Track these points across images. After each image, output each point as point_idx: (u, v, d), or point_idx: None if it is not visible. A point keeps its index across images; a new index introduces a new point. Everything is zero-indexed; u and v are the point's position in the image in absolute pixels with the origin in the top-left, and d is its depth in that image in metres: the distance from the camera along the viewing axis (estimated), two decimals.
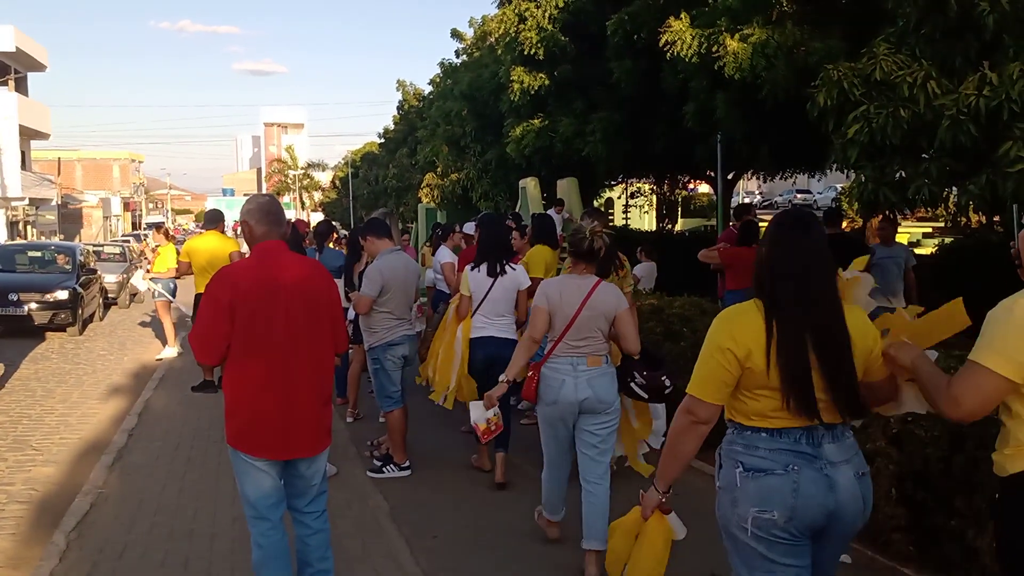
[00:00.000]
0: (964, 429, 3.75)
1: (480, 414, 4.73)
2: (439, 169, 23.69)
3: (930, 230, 17.14)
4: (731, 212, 8.14)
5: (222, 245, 8.65)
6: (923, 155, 6.16)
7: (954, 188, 6.09)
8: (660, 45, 10.22)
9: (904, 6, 6.30)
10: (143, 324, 15.35)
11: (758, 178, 19.01)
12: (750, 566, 2.48)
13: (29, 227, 38.11)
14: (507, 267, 5.58)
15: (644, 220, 30.65)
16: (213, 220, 9.06)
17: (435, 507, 5.22)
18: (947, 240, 12.57)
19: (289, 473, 3.53)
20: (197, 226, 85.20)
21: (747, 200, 48.51)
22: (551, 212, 14.36)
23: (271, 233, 3.52)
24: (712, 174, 15.62)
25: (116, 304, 17.86)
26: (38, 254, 15.95)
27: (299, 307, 3.43)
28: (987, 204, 5.73)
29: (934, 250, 11.12)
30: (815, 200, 40.62)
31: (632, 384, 4.19)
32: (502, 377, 4.43)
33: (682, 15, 10.19)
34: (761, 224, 8.29)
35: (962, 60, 6.00)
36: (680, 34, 9.94)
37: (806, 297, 2.42)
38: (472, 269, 5.59)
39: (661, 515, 2.73)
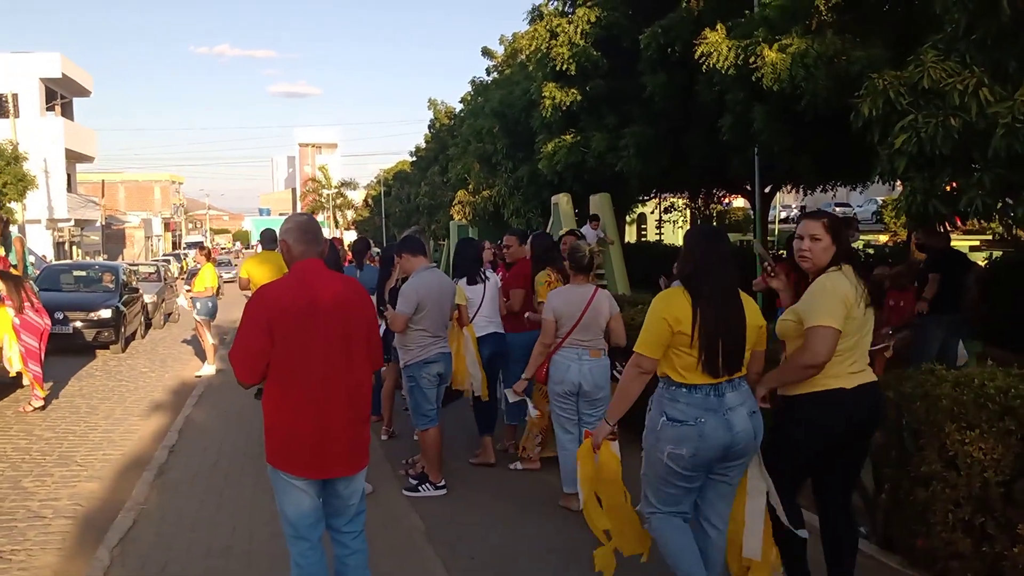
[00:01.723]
0: None
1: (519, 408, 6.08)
2: (471, 186, 23.77)
3: (977, 243, 16.72)
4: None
5: (281, 264, 8.70)
6: (975, 165, 5.97)
7: (1009, 200, 5.88)
8: (695, 57, 10.13)
9: (953, 11, 6.12)
10: (184, 342, 15.51)
11: (797, 191, 18.71)
12: (658, 480, 3.50)
13: (75, 247, 39.04)
14: (485, 274, 6.54)
15: (678, 235, 30.42)
16: (271, 240, 9.10)
17: (471, 527, 5.14)
18: (996, 254, 12.23)
19: (328, 492, 3.49)
20: (239, 246, 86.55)
21: (784, 214, 48.05)
22: (586, 228, 14.28)
23: (309, 252, 3.50)
24: (749, 187, 15.43)
25: (151, 324, 18.05)
26: (83, 273, 16.28)
27: (337, 325, 3.39)
28: None
29: (984, 263, 10.82)
30: (855, 213, 39.94)
31: (614, 372, 5.30)
32: (524, 375, 5.50)
33: (718, 26, 10.09)
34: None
35: (1016, 65, 5.81)
36: (716, 46, 9.84)
37: (719, 288, 3.41)
38: (458, 282, 6.33)
39: (608, 443, 3.73)
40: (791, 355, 3.54)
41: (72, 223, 37.91)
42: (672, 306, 3.38)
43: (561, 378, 5.19)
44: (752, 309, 3.49)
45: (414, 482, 5.85)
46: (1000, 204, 5.92)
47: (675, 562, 3.52)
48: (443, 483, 5.78)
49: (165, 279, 21.07)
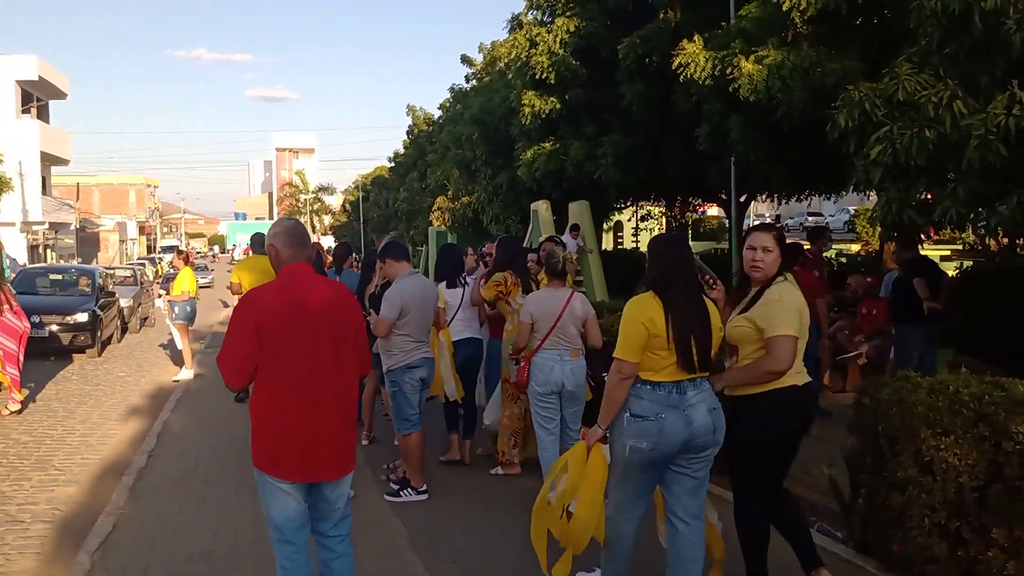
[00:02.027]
0: (1001, 458, 3.67)
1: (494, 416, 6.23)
2: (450, 192, 23.79)
3: (948, 253, 17.01)
4: (807, 234, 8.10)
5: (271, 268, 8.68)
6: (948, 176, 6.09)
7: (982, 210, 6.01)
8: (673, 68, 10.23)
9: (926, 26, 6.25)
10: (160, 346, 15.38)
11: (770, 200, 18.94)
12: (624, 473, 3.70)
13: (49, 250, 38.57)
14: (464, 280, 6.70)
15: None
16: (261, 244, 9.08)
17: (453, 531, 5.16)
18: (966, 264, 12.46)
19: (314, 496, 3.49)
20: (216, 249, 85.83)
21: (757, 221, 48.51)
22: (567, 237, 14.34)
23: (297, 256, 3.52)
24: (724, 196, 15.60)
25: (127, 328, 17.88)
26: (59, 277, 16.08)
27: (325, 330, 3.41)
28: (1018, 226, 5.64)
29: (955, 273, 11.02)
30: (827, 222, 40.38)
31: (587, 377, 5.59)
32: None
33: (695, 38, 10.20)
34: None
35: (988, 79, 5.94)
36: (694, 56, 9.95)
37: (686, 292, 3.62)
38: (437, 286, 6.44)
39: (600, 446, 3.82)
40: (755, 360, 3.74)
41: (46, 226, 37.46)
42: (646, 309, 3.56)
43: (545, 379, 5.38)
44: (714, 311, 3.73)
45: (396, 487, 5.86)
46: (973, 215, 6.04)
47: (609, 558, 3.84)
48: (425, 488, 5.80)
49: (141, 283, 20.86)
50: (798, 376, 3.75)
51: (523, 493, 5.69)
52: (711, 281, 4.17)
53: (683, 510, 3.72)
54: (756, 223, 4.05)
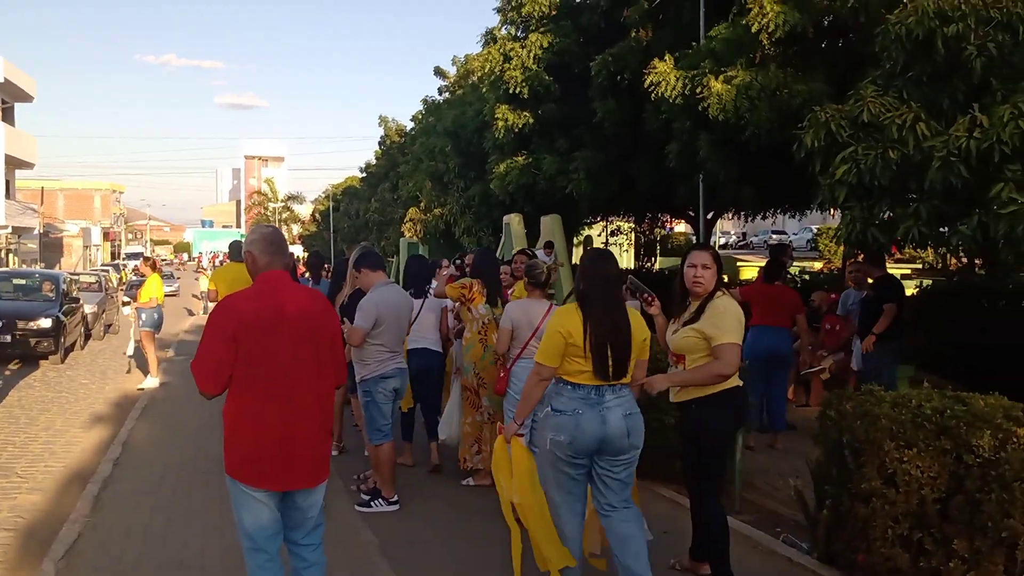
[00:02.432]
0: (962, 470, 3.78)
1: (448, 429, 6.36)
2: (422, 204, 23.77)
3: (909, 272, 17.37)
4: (769, 251, 8.24)
5: (248, 275, 8.64)
6: (911, 196, 6.25)
7: (943, 229, 6.17)
8: (644, 86, 10.36)
9: (891, 50, 6.42)
10: (124, 353, 15.15)
11: (737, 218, 19.20)
12: (551, 470, 3.98)
13: (11, 255, 37.84)
14: (428, 291, 6.84)
15: (623, 259, 30.84)
16: (239, 251, 9.03)
17: (425, 542, 5.17)
18: (926, 282, 12.73)
19: (287, 505, 3.49)
20: (185, 257, 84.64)
21: (723, 240, 49.12)
22: (540, 252, 14.42)
23: (274, 263, 3.53)
24: (692, 213, 15.78)
25: (91, 335, 17.61)
26: (22, 282, 15.84)
27: (302, 338, 3.42)
28: (978, 245, 5.81)
29: (915, 291, 11.27)
30: (791, 240, 41.02)
31: None
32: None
33: (666, 57, 10.35)
34: (744, 266, 8.44)
35: (950, 103, 6.12)
36: (664, 75, 10.08)
37: (606, 303, 3.90)
38: None
39: (518, 439, 4.18)
40: (705, 364, 4.15)
41: (9, 230, 36.77)
42: (566, 321, 3.89)
43: (522, 387, 5.42)
44: (638, 323, 4.02)
45: (366, 497, 5.86)
46: (935, 234, 6.20)
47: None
48: (396, 498, 5.80)
49: (106, 289, 20.55)
50: (736, 379, 4.21)
51: (494, 503, 5.69)
52: (649, 299, 4.50)
53: (610, 503, 4.02)
54: (695, 243, 4.42)
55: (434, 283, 7.06)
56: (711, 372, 4.09)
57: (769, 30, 8.70)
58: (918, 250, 6.88)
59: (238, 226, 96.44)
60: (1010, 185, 5.37)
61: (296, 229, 70.00)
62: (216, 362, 3.31)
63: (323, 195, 59.83)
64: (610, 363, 3.83)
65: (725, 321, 4.09)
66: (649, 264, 27.54)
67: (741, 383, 4.26)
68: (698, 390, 4.18)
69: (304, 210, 70.77)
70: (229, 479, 3.41)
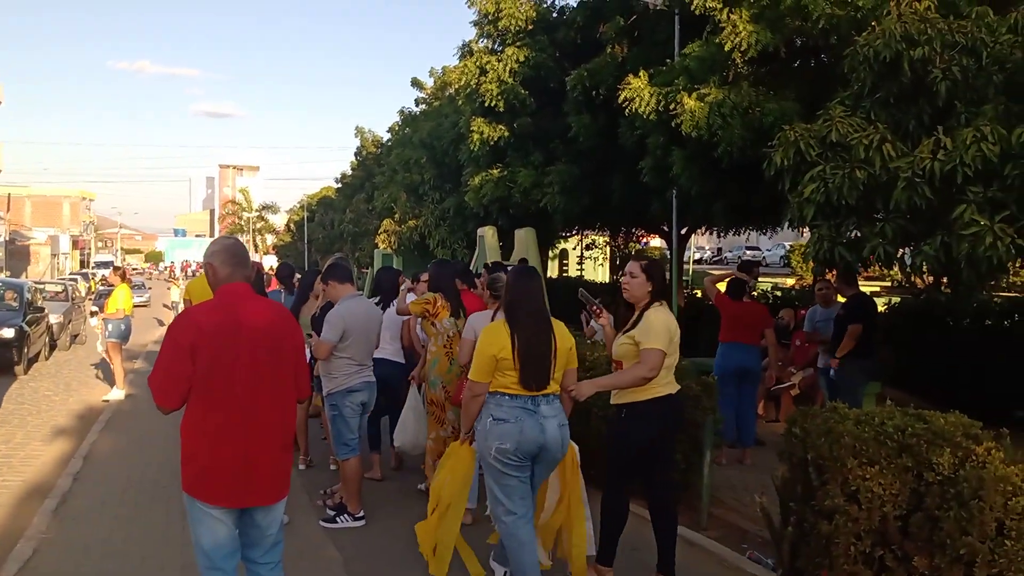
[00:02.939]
0: (923, 488, 3.80)
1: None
2: (397, 215, 23.71)
3: (878, 289, 17.58)
4: (738, 268, 8.26)
5: None
6: (878, 215, 6.33)
7: (908, 248, 6.25)
8: (619, 101, 10.43)
9: (859, 71, 6.52)
10: (91, 364, 14.93)
11: (711, 234, 19.34)
12: (495, 477, 4.20)
13: None
14: (391, 304, 6.88)
15: (598, 272, 30.94)
16: None
17: (390, 558, 5.12)
18: (894, 299, 12.88)
19: (244, 522, 3.43)
20: (162, 266, 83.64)
21: (698, 255, 49.47)
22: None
23: (235, 275, 3.47)
24: (667, 228, 15.86)
25: (56, 346, 17.33)
26: None
27: (262, 351, 3.37)
28: (941, 265, 5.88)
29: (884, 309, 11.39)
30: (764, 256, 41.42)
31: None
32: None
33: (641, 73, 10.43)
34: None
35: (916, 124, 6.21)
36: (639, 91, 10.16)
37: (531, 318, 4.19)
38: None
39: (466, 443, 4.49)
40: (631, 367, 4.43)
41: None
42: (494, 339, 4.16)
43: None
44: (562, 333, 4.30)
45: (332, 513, 5.79)
46: (900, 252, 6.28)
47: (522, 570, 4.25)
48: (362, 514, 5.74)
49: (73, 299, 20.24)
50: (669, 386, 4.48)
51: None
52: (597, 310, 4.78)
53: (524, 506, 4.26)
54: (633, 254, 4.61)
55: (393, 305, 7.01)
56: (633, 375, 4.35)
57: (742, 49, 8.81)
58: (883, 269, 6.94)
59: (211, 235, 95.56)
60: (972, 207, 5.45)
61: (271, 239, 69.59)
62: (174, 376, 3.24)
63: (298, 205, 59.55)
64: (537, 372, 4.12)
65: (652, 328, 4.37)
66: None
67: (673, 391, 4.48)
68: (629, 395, 4.43)
69: (279, 220, 70.38)
70: (186, 496, 3.35)
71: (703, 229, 17.26)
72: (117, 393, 11.02)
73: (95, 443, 8.14)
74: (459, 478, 4.52)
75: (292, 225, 61.70)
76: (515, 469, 4.15)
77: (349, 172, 41.85)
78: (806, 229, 7.61)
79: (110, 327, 11.26)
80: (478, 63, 15.63)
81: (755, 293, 11.96)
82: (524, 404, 4.12)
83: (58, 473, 7.06)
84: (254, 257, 60.28)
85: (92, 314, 15.75)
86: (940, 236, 5.69)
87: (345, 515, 5.72)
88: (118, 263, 41.04)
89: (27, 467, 7.49)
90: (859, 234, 6.41)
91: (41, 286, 20.25)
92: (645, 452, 4.51)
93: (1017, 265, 6.56)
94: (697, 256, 48.93)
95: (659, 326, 4.37)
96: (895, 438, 3.95)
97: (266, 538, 3.48)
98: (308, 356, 6.20)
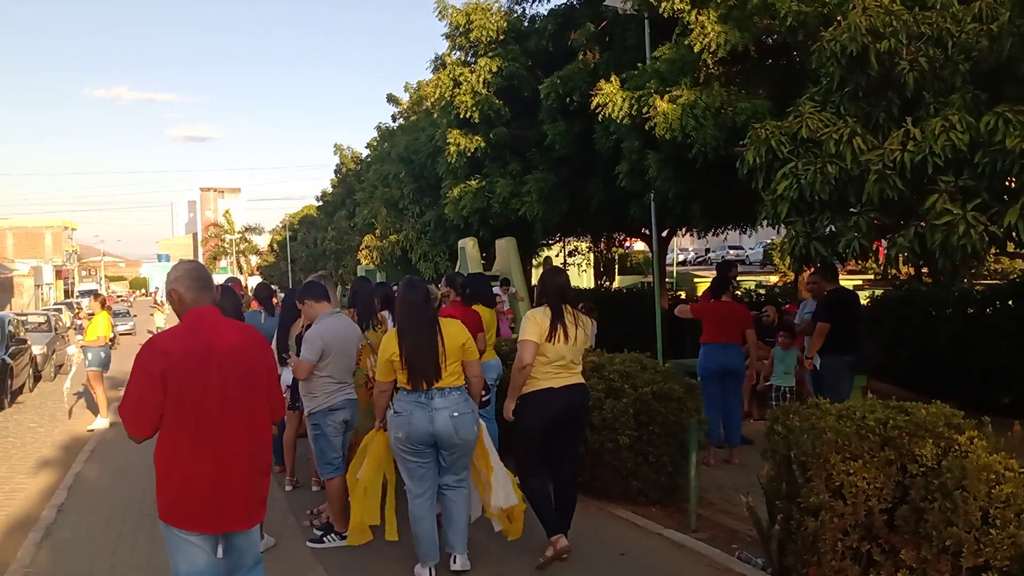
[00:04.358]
0: (907, 480, 3.79)
1: None
2: (378, 231, 23.67)
3: (860, 282, 17.69)
4: (716, 268, 8.26)
5: None
6: (851, 209, 6.34)
7: (882, 240, 6.27)
8: (592, 107, 10.45)
9: (827, 66, 6.55)
10: (75, 394, 14.75)
11: (692, 235, 19.38)
12: (399, 460, 4.89)
13: None
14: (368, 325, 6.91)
15: (583, 278, 30.97)
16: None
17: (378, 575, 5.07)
18: (877, 292, 12.94)
19: (224, 547, 3.39)
20: (133, 293, 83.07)
21: (681, 257, 49.64)
22: (498, 290, 14.35)
23: (202, 299, 3.43)
24: (647, 232, 15.89)
25: (41, 377, 17.13)
26: None
27: (234, 375, 3.32)
28: (916, 256, 5.89)
29: (866, 302, 11.44)
30: (747, 255, 41.60)
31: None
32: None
33: (612, 78, 10.45)
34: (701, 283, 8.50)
35: (885, 117, 6.23)
36: (611, 96, 10.18)
37: (413, 325, 4.80)
38: None
39: (380, 431, 5.10)
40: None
41: None
42: (387, 346, 4.82)
43: None
44: (453, 332, 4.85)
45: (319, 533, 5.73)
46: (875, 245, 6.29)
47: (418, 539, 4.88)
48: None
49: (56, 329, 20.05)
50: (555, 380, 4.94)
51: None
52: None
53: (445, 483, 4.89)
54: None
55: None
56: (513, 368, 4.99)
57: (711, 50, 8.84)
58: (859, 262, 6.95)
59: (196, 259, 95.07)
60: (944, 196, 5.47)
61: (255, 260, 69.33)
62: (144, 404, 3.20)
63: (280, 225, 59.39)
64: (424, 372, 4.69)
65: (524, 324, 4.98)
66: (607, 284, 27.68)
67: (557, 384, 4.93)
68: (526, 388, 4.98)
69: (262, 241, 70.15)
70: (163, 524, 3.31)
71: (683, 231, 17.30)
72: (101, 422, 10.90)
73: (79, 474, 8.04)
74: (374, 462, 5.08)
75: (275, 245, 61.52)
76: (411, 455, 4.76)
77: (330, 190, 41.79)
78: (779, 227, 7.63)
79: (90, 355, 11.14)
80: (451, 75, 15.64)
81: (738, 292, 12.04)
82: (417, 398, 4.71)
83: (43, 505, 6.96)
84: (240, 279, 60.25)
85: (73, 343, 15.56)
86: (914, 227, 5.70)
87: (332, 534, 5.66)
88: (102, 291, 40.74)
89: (11, 500, 7.39)
90: (834, 229, 6.42)
91: (23, 317, 20.06)
92: (536, 439, 5.00)
93: (994, 252, 6.57)
94: (681, 258, 49.12)
95: (527, 321, 4.95)
96: (877, 431, 3.94)
97: (245, 562, 3.45)
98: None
